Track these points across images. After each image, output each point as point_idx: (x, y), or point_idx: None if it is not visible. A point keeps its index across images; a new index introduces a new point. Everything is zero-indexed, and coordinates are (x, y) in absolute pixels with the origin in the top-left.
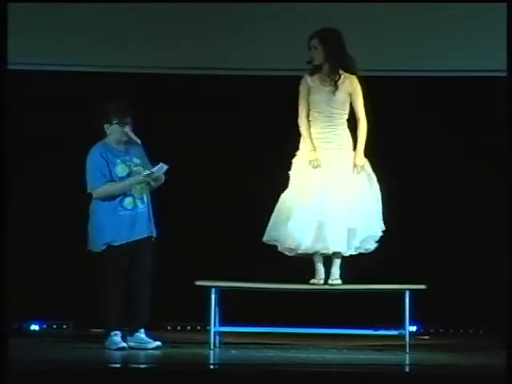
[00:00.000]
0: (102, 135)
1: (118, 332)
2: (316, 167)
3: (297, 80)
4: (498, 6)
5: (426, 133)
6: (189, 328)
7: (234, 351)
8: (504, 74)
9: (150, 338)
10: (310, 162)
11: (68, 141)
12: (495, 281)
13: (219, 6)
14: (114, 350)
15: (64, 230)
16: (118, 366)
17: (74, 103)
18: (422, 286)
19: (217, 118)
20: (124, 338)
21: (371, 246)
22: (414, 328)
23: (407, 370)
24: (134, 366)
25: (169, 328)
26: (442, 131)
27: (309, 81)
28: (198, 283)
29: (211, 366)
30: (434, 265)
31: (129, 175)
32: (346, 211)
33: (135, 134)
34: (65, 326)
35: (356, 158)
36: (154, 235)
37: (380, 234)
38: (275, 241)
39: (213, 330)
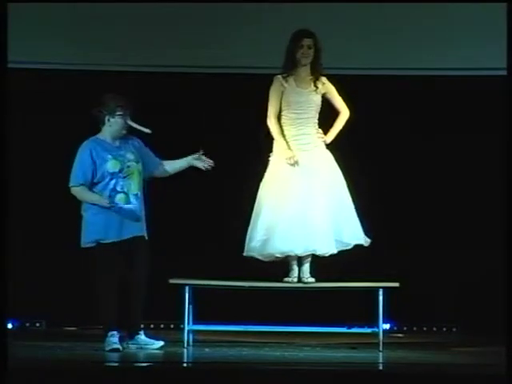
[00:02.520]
0: (98, 129)
1: (114, 332)
2: (293, 164)
3: None
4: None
5: (421, 131)
6: (162, 326)
7: (207, 349)
8: (503, 73)
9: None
10: (287, 159)
11: (68, 140)
12: (469, 279)
13: (216, 6)
14: (107, 351)
15: (37, 227)
16: (89, 365)
17: (74, 102)
18: (396, 284)
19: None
20: (122, 339)
21: (358, 241)
22: (387, 326)
23: (380, 368)
24: (107, 365)
25: (142, 326)
26: (436, 130)
27: (283, 82)
28: (172, 281)
29: (185, 365)
30: (408, 262)
31: (120, 171)
32: (332, 210)
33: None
34: (38, 324)
35: (328, 135)
36: (145, 234)
37: (361, 231)
38: (259, 251)
39: (186, 328)
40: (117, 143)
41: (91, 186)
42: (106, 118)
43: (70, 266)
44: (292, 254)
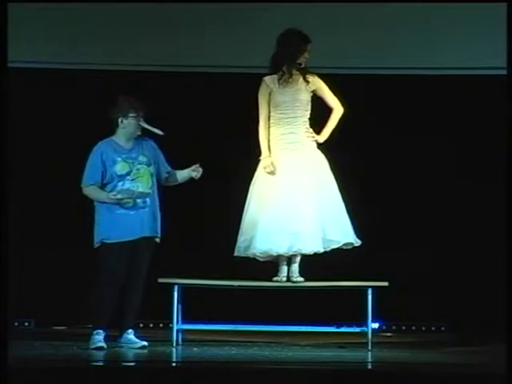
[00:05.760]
0: (112, 131)
1: (100, 331)
2: (270, 173)
3: None
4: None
5: (420, 131)
6: (151, 325)
7: (196, 349)
8: (503, 73)
9: (138, 337)
10: (264, 168)
11: (68, 140)
12: (458, 278)
13: (216, 6)
14: (92, 349)
15: (27, 227)
16: (79, 364)
17: (74, 102)
18: (385, 283)
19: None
20: (109, 338)
21: (348, 239)
22: (376, 325)
23: (369, 367)
24: (96, 364)
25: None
26: (435, 130)
27: (269, 83)
28: (161, 280)
29: (173, 364)
30: (396, 262)
31: (128, 174)
32: (319, 209)
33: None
34: (27, 324)
35: (321, 135)
36: (158, 235)
37: (351, 230)
38: (244, 251)
39: (175, 327)
40: (130, 145)
41: (101, 186)
42: (120, 119)
43: (59, 265)
44: (274, 253)
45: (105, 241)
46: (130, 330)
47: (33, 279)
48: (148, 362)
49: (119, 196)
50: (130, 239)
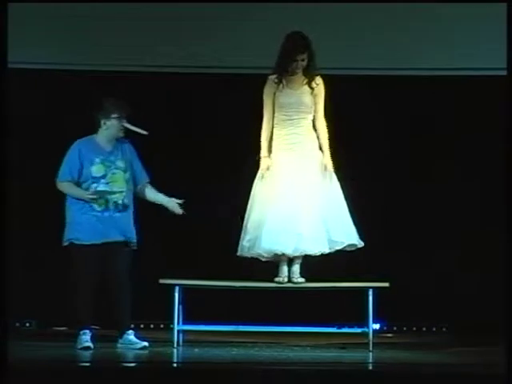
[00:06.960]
0: (96, 131)
1: (86, 331)
2: (267, 174)
3: None
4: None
5: (419, 132)
6: (152, 326)
7: (197, 349)
8: (503, 73)
9: (138, 338)
10: (261, 169)
11: (67, 140)
12: (459, 278)
13: (215, 6)
14: (79, 349)
15: (27, 226)
16: (80, 365)
17: (73, 102)
18: (386, 284)
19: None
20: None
21: (351, 240)
22: (377, 326)
23: (370, 368)
24: (96, 365)
25: (132, 326)
26: (435, 130)
27: (275, 83)
28: (162, 281)
29: (174, 365)
30: (397, 262)
31: (103, 177)
32: (323, 210)
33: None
34: (28, 324)
35: (325, 158)
36: (130, 241)
37: (355, 232)
38: (249, 250)
39: (176, 328)
40: (109, 148)
41: (77, 184)
42: (102, 121)
43: (60, 265)
44: (280, 253)
45: (74, 242)
46: (131, 331)
47: (34, 279)
48: (149, 363)
49: (96, 196)
50: (100, 242)
